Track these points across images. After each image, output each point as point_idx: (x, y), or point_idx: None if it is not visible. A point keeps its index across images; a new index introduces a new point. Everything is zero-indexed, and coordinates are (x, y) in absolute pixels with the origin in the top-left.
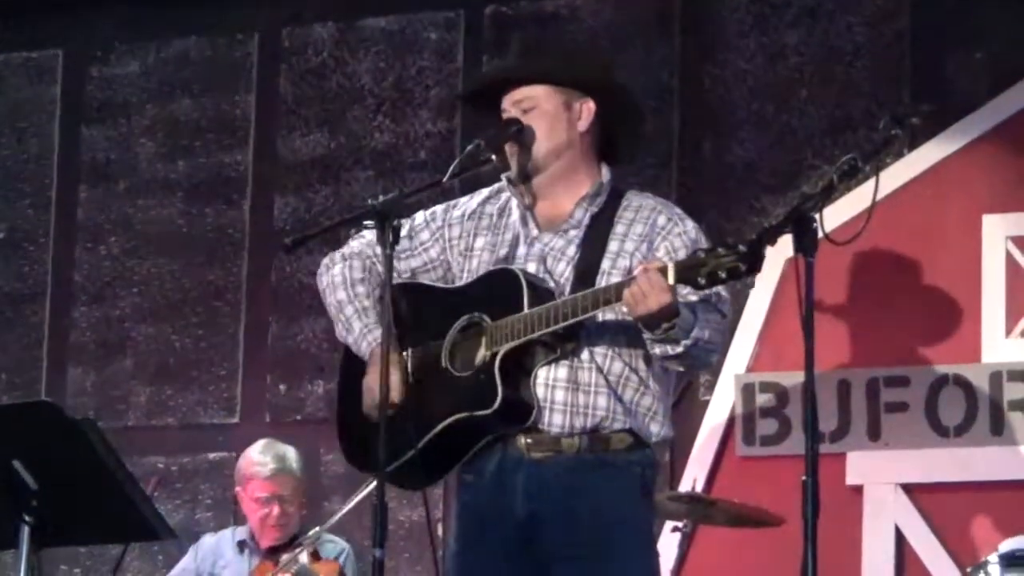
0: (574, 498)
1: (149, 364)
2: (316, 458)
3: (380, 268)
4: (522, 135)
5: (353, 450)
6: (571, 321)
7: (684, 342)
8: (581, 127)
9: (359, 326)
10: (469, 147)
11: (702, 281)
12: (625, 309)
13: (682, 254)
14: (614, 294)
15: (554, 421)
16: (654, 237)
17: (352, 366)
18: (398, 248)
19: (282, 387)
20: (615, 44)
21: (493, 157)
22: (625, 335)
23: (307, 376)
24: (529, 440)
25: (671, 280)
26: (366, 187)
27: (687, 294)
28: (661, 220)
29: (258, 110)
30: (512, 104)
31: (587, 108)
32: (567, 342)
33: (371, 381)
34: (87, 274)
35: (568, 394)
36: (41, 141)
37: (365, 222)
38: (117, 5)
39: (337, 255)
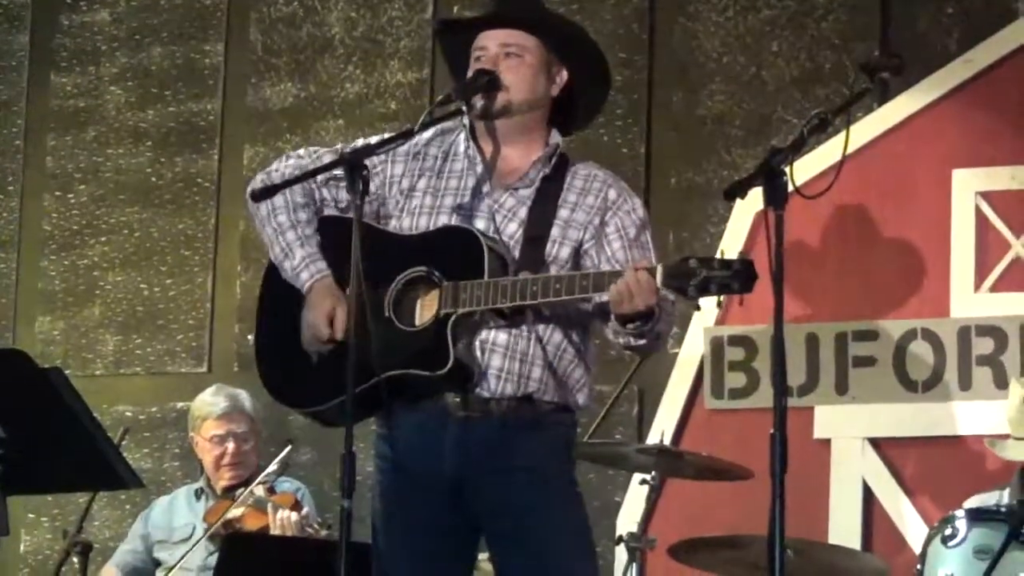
0: (500, 454)
1: (118, 313)
2: (284, 409)
3: (318, 195)
4: (493, 86)
5: (274, 379)
6: (539, 301)
7: (649, 336)
8: (553, 92)
9: (301, 253)
10: (440, 97)
11: (692, 292)
12: (598, 298)
13: (631, 232)
14: (592, 284)
15: (486, 385)
16: (605, 211)
17: (276, 291)
18: (337, 175)
19: (250, 337)
20: None
21: (464, 107)
22: (568, 306)
23: None
24: (457, 399)
25: (659, 283)
26: (336, 137)
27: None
28: (612, 194)
29: (228, 59)
30: (499, 44)
31: (561, 76)
32: (516, 312)
33: (315, 317)
34: (56, 222)
35: (505, 360)
36: (10, 88)
37: (335, 171)
38: None
39: (275, 175)
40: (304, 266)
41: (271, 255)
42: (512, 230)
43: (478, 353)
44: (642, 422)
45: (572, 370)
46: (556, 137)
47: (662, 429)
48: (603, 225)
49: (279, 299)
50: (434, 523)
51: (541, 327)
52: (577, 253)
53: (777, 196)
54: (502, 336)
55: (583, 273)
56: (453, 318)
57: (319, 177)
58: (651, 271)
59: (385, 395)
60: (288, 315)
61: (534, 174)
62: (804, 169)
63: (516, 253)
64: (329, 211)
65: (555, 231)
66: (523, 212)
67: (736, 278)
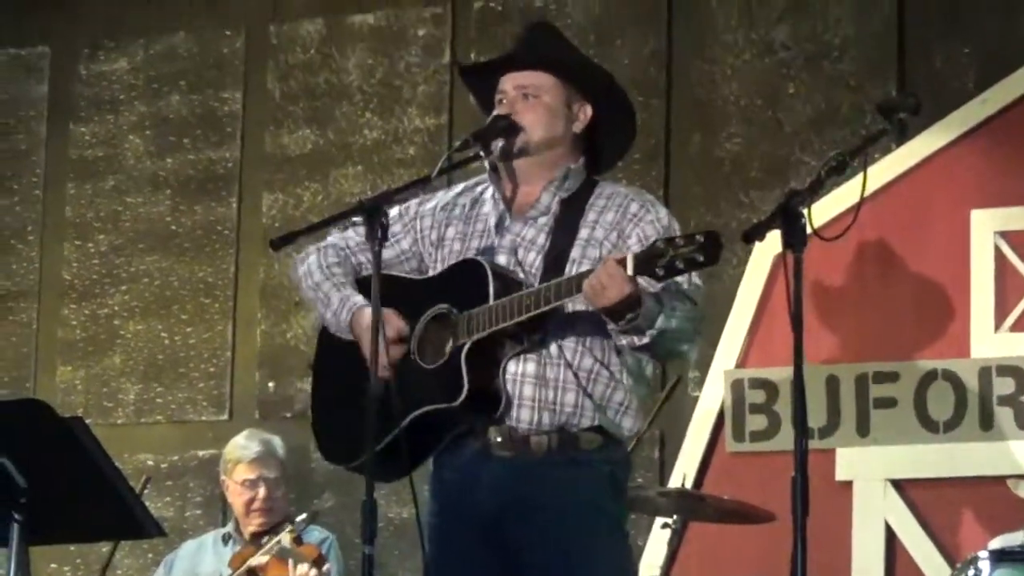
0: (541, 492)
1: (138, 361)
2: (307, 455)
3: (354, 259)
4: (511, 131)
5: (322, 439)
6: (535, 312)
7: (650, 332)
8: (576, 128)
9: (338, 296)
10: (458, 143)
11: (660, 272)
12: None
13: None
14: (575, 285)
15: (522, 417)
16: (625, 225)
17: (323, 354)
18: (365, 241)
19: (271, 384)
20: (604, 38)
21: (482, 153)
22: (596, 328)
23: (296, 373)
24: (499, 438)
25: (630, 271)
26: (354, 184)
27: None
28: (633, 207)
29: (246, 106)
30: (515, 87)
31: (585, 112)
32: (534, 334)
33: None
34: (76, 271)
35: (536, 390)
36: (29, 138)
37: (353, 219)
38: (105, 1)
39: (311, 248)
40: (343, 305)
41: (316, 313)
42: (532, 259)
43: (508, 386)
44: (663, 465)
45: (611, 393)
46: (576, 163)
47: (683, 472)
48: (624, 238)
49: (325, 362)
50: (480, 564)
51: (569, 352)
52: None
53: (796, 238)
54: (531, 366)
55: (569, 277)
56: (466, 346)
57: (351, 245)
58: (621, 261)
59: (403, 437)
60: (333, 375)
61: (547, 199)
62: (822, 211)
63: (536, 280)
64: (367, 274)
65: (575, 251)
66: (542, 239)
67: (701, 250)
